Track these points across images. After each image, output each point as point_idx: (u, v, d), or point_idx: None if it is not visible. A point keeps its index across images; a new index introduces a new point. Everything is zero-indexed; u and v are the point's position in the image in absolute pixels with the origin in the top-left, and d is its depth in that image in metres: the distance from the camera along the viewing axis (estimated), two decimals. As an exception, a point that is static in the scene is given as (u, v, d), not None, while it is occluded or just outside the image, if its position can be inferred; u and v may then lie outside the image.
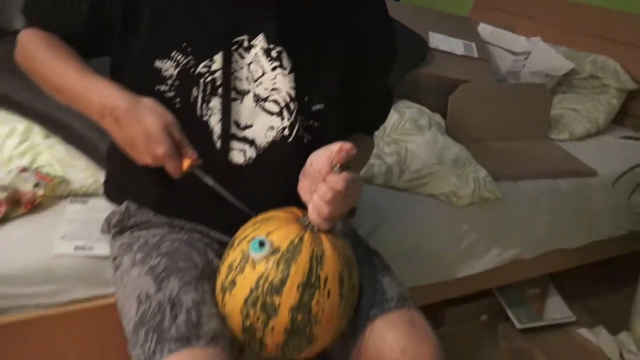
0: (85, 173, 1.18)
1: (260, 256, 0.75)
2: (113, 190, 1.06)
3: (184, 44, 0.83)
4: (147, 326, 0.77)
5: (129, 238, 0.95)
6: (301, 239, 0.77)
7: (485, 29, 2.15)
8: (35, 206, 1.10)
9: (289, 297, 0.75)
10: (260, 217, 0.82)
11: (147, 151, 0.78)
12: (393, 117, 1.49)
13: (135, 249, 0.91)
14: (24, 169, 1.15)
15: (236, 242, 0.80)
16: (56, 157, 1.19)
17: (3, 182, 1.12)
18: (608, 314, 1.82)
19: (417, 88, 1.64)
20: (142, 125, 0.77)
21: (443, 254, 1.39)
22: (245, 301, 0.76)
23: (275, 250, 0.76)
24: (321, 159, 0.79)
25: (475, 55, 1.79)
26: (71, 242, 1.04)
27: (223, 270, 0.80)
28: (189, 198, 0.91)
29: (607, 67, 1.98)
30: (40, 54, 0.85)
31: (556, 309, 1.78)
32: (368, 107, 1.03)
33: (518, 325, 1.69)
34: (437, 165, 1.37)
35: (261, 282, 0.75)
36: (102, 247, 1.04)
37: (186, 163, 0.80)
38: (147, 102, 0.79)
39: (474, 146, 1.58)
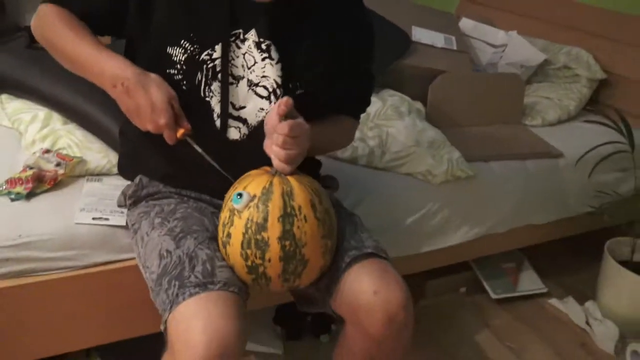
0: (100, 155, 1.33)
1: (242, 205, 0.91)
2: (126, 168, 1.21)
3: (191, 34, 0.97)
4: (170, 276, 0.92)
5: (144, 207, 1.10)
6: (271, 183, 0.93)
7: (467, 23, 2.29)
8: (57, 183, 1.25)
9: (273, 229, 0.90)
10: (238, 180, 0.97)
11: (151, 119, 0.92)
12: (376, 104, 1.64)
13: (153, 215, 1.06)
14: (47, 151, 1.31)
15: (224, 205, 0.96)
16: (74, 141, 1.34)
17: (28, 162, 1.27)
18: (577, 286, 1.98)
19: (400, 78, 1.79)
20: (149, 96, 0.91)
21: (421, 227, 1.54)
22: (242, 245, 0.91)
23: (252, 198, 0.91)
24: (271, 117, 0.93)
25: (455, 47, 1.93)
26: (89, 214, 1.19)
27: (219, 230, 0.96)
28: (192, 171, 1.07)
29: (580, 58, 2.12)
30: (58, 26, 0.96)
31: (529, 282, 1.94)
32: (351, 93, 1.17)
33: (493, 295, 1.84)
34: (415, 147, 1.52)
35: (249, 225, 0.91)
36: (116, 219, 1.19)
37: (180, 132, 0.95)
38: (155, 77, 0.93)
39: (452, 131, 1.72)
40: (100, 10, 0.99)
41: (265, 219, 0.90)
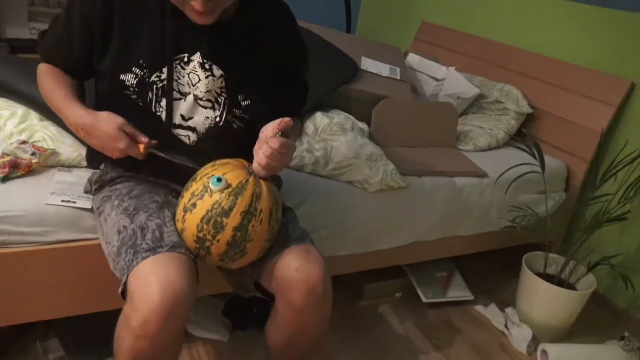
0: (72, 149, 1.49)
1: (217, 188, 1.07)
2: (93, 158, 1.37)
3: (141, 61, 1.16)
4: (126, 247, 1.09)
5: (108, 192, 1.27)
6: (247, 181, 1.09)
7: (414, 58, 2.55)
8: (31, 171, 1.40)
9: (234, 219, 1.07)
10: (219, 162, 1.13)
11: (113, 147, 1.13)
12: (324, 120, 1.84)
13: (113, 198, 1.23)
14: (24, 142, 1.46)
15: (198, 177, 1.12)
16: (49, 135, 1.49)
17: (6, 150, 1.42)
18: (500, 294, 2.20)
19: (348, 101, 2.01)
20: (104, 131, 1.13)
21: (357, 230, 1.73)
22: (202, 219, 1.07)
23: (228, 186, 1.07)
24: (268, 128, 1.11)
25: (399, 77, 2.17)
26: (59, 197, 1.34)
27: (186, 196, 1.11)
28: (152, 162, 1.24)
29: (511, 94, 2.39)
30: (46, 83, 1.21)
31: (459, 289, 2.14)
32: (294, 100, 1.36)
33: (424, 300, 2.03)
34: (355, 159, 1.73)
35: (215, 206, 1.07)
36: (83, 202, 1.34)
37: (141, 147, 1.15)
38: (102, 114, 1.14)
39: (391, 149, 1.94)
40: (78, 64, 1.21)
41: (231, 209, 1.06)
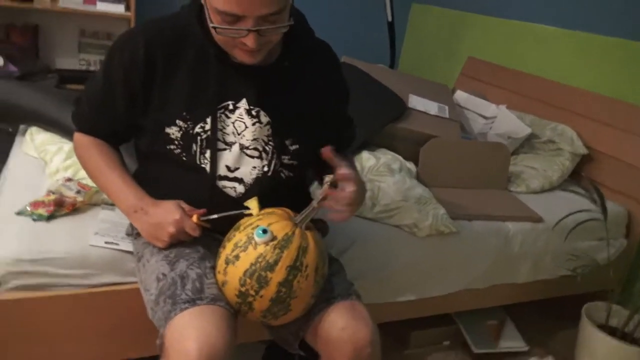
0: (116, 187, 1.47)
1: (262, 240, 1.01)
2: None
3: (184, 113, 1.12)
4: (165, 295, 1.04)
5: None
6: (293, 233, 1.04)
7: (461, 95, 2.48)
8: (75, 209, 1.38)
9: (278, 274, 1.01)
10: (263, 211, 1.09)
11: (167, 224, 1.10)
12: (370, 160, 1.79)
13: (153, 244, 1.19)
14: (69, 179, 1.45)
15: (241, 227, 1.06)
16: (94, 173, 1.48)
17: (51, 187, 1.41)
18: (556, 346, 2.05)
19: (394, 139, 1.95)
20: (162, 207, 1.11)
21: (404, 276, 1.64)
22: (245, 272, 1.01)
23: (274, 238, 1.02)
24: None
25: (447, 116, 2.11)
26: (103, 238, 1.31)
27: (229, 246, 1.05)
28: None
29: (565, 134, 2.29)
30: (92, 162, 1.20)
31: (511, 339, 2.01)
32: (342, 139, 1.33)
33: (474, 350, 1.91)
34: (403, 202, 1.65)
35: (259, 259, 1.01)
36: (125, 245, 1.31)
37: (194, 218, 1.12)
38: (163, 202, 1.12)
39: (439, 191, 1.87)
40: (120, 130, 1.20)
41: (276, 262, 1.00)
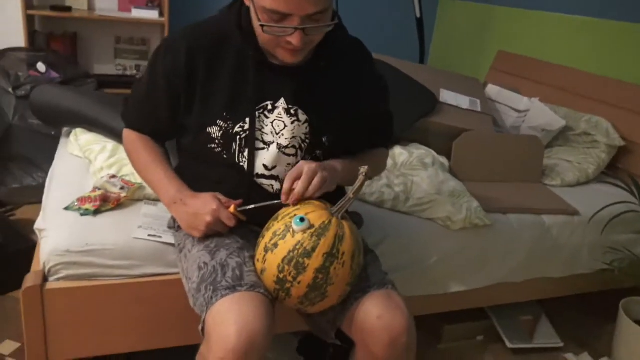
0: (157, 182, 1.52)
1: (300, 228, 1.04)
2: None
3: (224, 113, 1.16)
4: (206, 283, 1.08)
5: None
6: (330, 222, 1.07)
7: (492, 89, 2.47)
8: (119, 204, 1.44)
9: (316, 261, 1.04)
10: (301, 202, 1.11)
11: (204, 213, 1.13)
12: (403, 155, 1.80)
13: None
14: (113, 176, 1.51)
15: (280, 216, 1.10)
16: (136, 169, 1.54)
17: (97, 184, 1.47)
18: (592, 342, 2.02)
19: (427, 134, 1.96)
20: (200, 198, 1.15)
21: (438, 269, 1.65)
22: (283, 259, 1.04)
23: (311, 226, 1.05)
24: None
25: (479, 109, 2.10)
26: (146, 231, 1.37)
27: (267, 235, 1.09)
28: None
29: (600, 126, 2.25)
30: (141, 157, 1.25)
31: (546, 334, 1.99)
32: (378, 132, 1.34)
33: (509, 345, 1.90)
34: (436, 195, 1.66)
35: (297, 247, 1.04)
36: (168, 237, 1.36)
37: (231, 209, 1.15)
38: (201, 194, 1.16)
39: (472, 184, 1.87)
40: (165, 127, 1.25)
41: (313, 249, 1.03)
